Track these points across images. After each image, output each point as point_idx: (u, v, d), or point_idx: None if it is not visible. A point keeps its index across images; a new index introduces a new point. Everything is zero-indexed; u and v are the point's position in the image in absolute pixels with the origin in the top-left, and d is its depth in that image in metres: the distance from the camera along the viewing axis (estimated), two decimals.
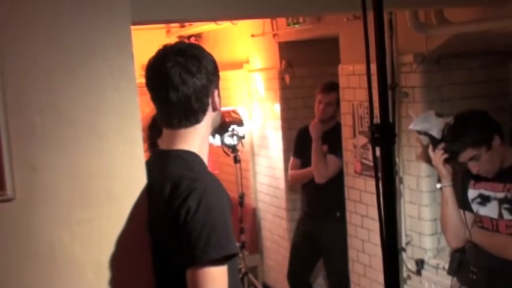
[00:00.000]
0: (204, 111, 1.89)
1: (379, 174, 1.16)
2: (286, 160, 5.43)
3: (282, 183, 5.69)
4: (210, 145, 2.04)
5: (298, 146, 5.10)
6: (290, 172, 5.13)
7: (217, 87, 1.93)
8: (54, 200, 1.76)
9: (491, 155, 2.99)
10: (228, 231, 1.72)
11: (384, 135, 1.03)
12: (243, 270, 5.55)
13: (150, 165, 1.88)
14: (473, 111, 3.20)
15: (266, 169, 6.01)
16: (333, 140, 4.75)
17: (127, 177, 1.84)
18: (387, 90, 1.10)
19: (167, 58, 1.86)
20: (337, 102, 4.74)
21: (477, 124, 3.03)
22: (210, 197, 1.73)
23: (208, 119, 1.92)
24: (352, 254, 4.72)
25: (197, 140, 1.90)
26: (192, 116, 1.88)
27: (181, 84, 1.83)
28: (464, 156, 3.02)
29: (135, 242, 1.85)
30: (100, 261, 1.81)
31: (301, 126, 5.12)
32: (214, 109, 1.92)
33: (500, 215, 3.04)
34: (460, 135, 3.03)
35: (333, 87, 4.75)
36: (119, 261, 1.83)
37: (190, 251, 1.68)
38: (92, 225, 1.80)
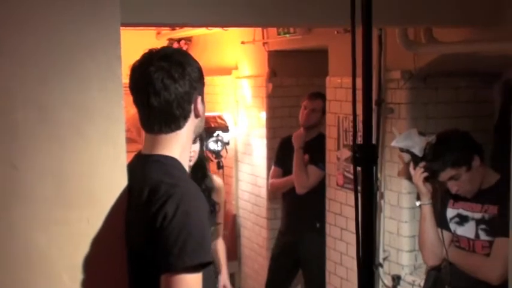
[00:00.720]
0: (185, 118, 1.88)
1: (359, 190, 1.16)
2: (269, 168, 5.43)
3: (263, 192, 5.69)
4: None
5: (280, 155, 5.11)
6: (270, 180, 5.14)
7: (201, 94, 1.92)
8: (34, 200, 1.74)
9: (470, 175, 3.02)
10: (204, 238, 1.72)
11: (366, 156, 1.04)
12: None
13: (131, 169, 1.87)
14: (455, 131, 3.23)
15: (249, 176, 6.01)
16: (314, 150, 4.76)
17: (109, 179, 1.83)
18: (371, 109, 1.11)
19: (151, 63, 1.86)
20: (322, 111, 4.77)
21: (458, 144, 3.07)
22: (188, 203, 1.72)
23: (190, 126, 1.91)
24: (329, 266, 4.72)
25: (178, 145, 1.90)
26: (173, 122, 1.87)
27: (163, 90, 1.83)
28: (444, 175, 3.05)
29: (112, 246, 1.84)
30: (76, 263, 1.79)
31: (285, 135, 5.13)
32: (197, 116, 1.92)
33: (477, 235, 3.06)
34: (441, 155, 3.06)
35: (319, 95, 4.79)
36: (94, 265, 1.81)
37: (166, 257, 1.67)
38: (70, 227, 1.78)
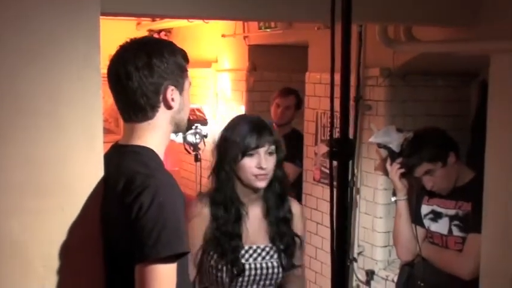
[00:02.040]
0: (153, 108, 1.86)
1: (335, 185, 1.17)
2: None
3: None
4: (172, 142, 2.02)
5: None
6: None
7: (176, 85, 1.88)
8: (7, 188, 1.72)
9: (446, 171, 3.06)
10: (179, 229, 1.72)
11: (342, 150, 1.05)
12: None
13: (108, 159, 1.87)
14: (432, 128, 3.28)
15: None
16: (289, 147, 4.76)
17: (85, 169, 1.82)
18: (349, 104, 1.12)
19: (122, 51, 1.88)
20: (295, 107, 4.78)
21: (435, 140, 3.11)
22: (163, 194, 1.71)
23: (164, 117, 1.89)
24: (304, 260, 4.74)
25: (153, 136, 1.88)
26: (139, 111, 1.86)
27: (126, 78, 1.83)
28: (420, 170, 3.09)
29: (87, 235, 1.83)
30: (50, 252, 1.78)
31: None
32: (169, 107, 1.88)
33: (450, 231, 3.10)
34: (417, 150, 3.10)
35: (290, 91, 4.80)
36: (69, 254, 1.80)
37: (140, 247, 1.67)
38: (44, 216, 1.77)
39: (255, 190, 2.54)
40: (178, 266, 1.73)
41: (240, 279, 2.48)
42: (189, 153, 5.59)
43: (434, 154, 3.06)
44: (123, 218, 1.73)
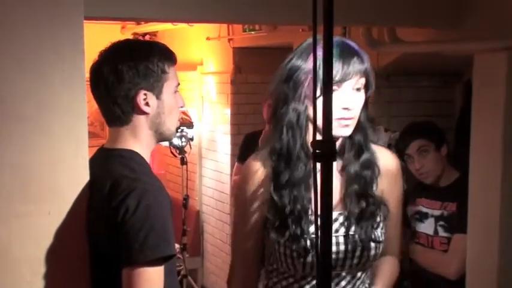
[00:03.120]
0: (125, 114, 1.84)
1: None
2: (233, 165, 5.43)
3: (227, 188, 5.70)
4: (157, 145, 2.01)
5: (244, 151, 5.10)
6: (234, 177, 5.13)
7: (151, 89, 1.84)
8: None
9: (437, 157, 3.10)
10: (166, 232, 1.71)
11: (325, 151, 1.06)
12: (182, 273, 5.53)
13: (93, 163, 1.87)
14: (429, 120, 3.35)
15: (213, 173, 6.01)
16: None
17: (70, 173, 1.82)
18: (331, 105, 1.13)
19: (99, 56, 1.87)
20: None
21: (431, 126, 3.17)
22: (150, 197, 1.71)
23: (141, 122, 1.86)
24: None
25: (135, 140, 1.87)
26: (114, 117, 1.86)
27: (97, 85, 1.85)
28: (413, 146, 3.11)
29: (73, 240, 1.83)
30: (37, 257, 1.78)
31: (249, 132, 5.14)
32: (141, 112, 1.84)
33: (436, 231, 3.12)
34: (415, 129, 3.16)
35: None
36: (56, 259, 1.80)
37: (127, 250, 1.67)
38: (31, 221, 1.77)
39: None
40: (166, 267, 1.73)
41: (304, 260, 1.85)
42: (175, 156, 5.59)
43: (430, 132, 3.11)
44: (109, 221, 1.72)
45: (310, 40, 2.00)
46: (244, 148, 5.09)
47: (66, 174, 1.81)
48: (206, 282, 6.26)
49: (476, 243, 2.90)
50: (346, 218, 1.89)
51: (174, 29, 6.04)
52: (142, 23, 6.21)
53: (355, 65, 1.81)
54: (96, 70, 1.85)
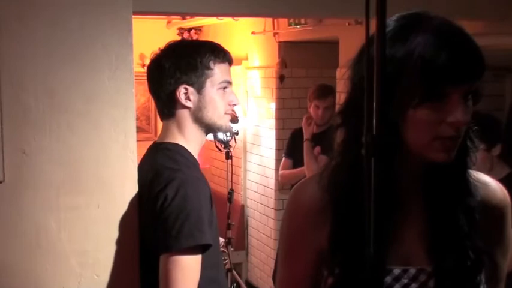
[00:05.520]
0: (168, 107, 1.91)
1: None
2: (278, 159, 5.42)
3: (272, 182, 5.69)
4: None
5: (290, 146, 5.09)
6: (281, 172, 5.12)
7: (192, 84, 1.88)
8: (43, 185, 1.75)
9: (484, 159, 3.01)
10: (201, 222, 1.74)
11: (378, 147, 1.02)
12: (227, 266, 5.54)
13: (145, 157, 1.95)
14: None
15: (257, 167, 6.00)
16: (326, 141, 4.73)
17: (118, 166, 1.84)
18: (383, 97, 1.09)
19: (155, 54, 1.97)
20: (334, 105, 4.73)
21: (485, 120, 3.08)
22: (188, 187, 1.75)
23: (184, 116, 1.91)
24: None
25: (180, 134, 1.92)
26: (161, 111, 1.95)
27: (148, 80, 1.95)
28: None
29: (122, 232, 1.85)
30: (85, 249, 1.81)
31: (296, 127, 5.11)
32: (183, 107, 1.89)
33: None
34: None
35: (329, 91, 4.74)
36: (104, 251, 1.82)
37: (164, 238, 1.72)
38: (80, 213, 1.80)
39: (427, 164, 1.26)
40: (207, 258, 1.75)
41: None
42: (220, 150, 5.59)
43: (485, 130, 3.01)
44: (150, 209, 1.78)
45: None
46: (291, 143, 5.08)
47: (114, 167, 1.84)
48: (251, 276, 6.27)
49: None
50: (430, 276, 1.26)
51: (219, 23, 6.05)
52: (188, 17, 6.24)
53: (474, 67, 1.27)
54: (148, 67, 1.95)
